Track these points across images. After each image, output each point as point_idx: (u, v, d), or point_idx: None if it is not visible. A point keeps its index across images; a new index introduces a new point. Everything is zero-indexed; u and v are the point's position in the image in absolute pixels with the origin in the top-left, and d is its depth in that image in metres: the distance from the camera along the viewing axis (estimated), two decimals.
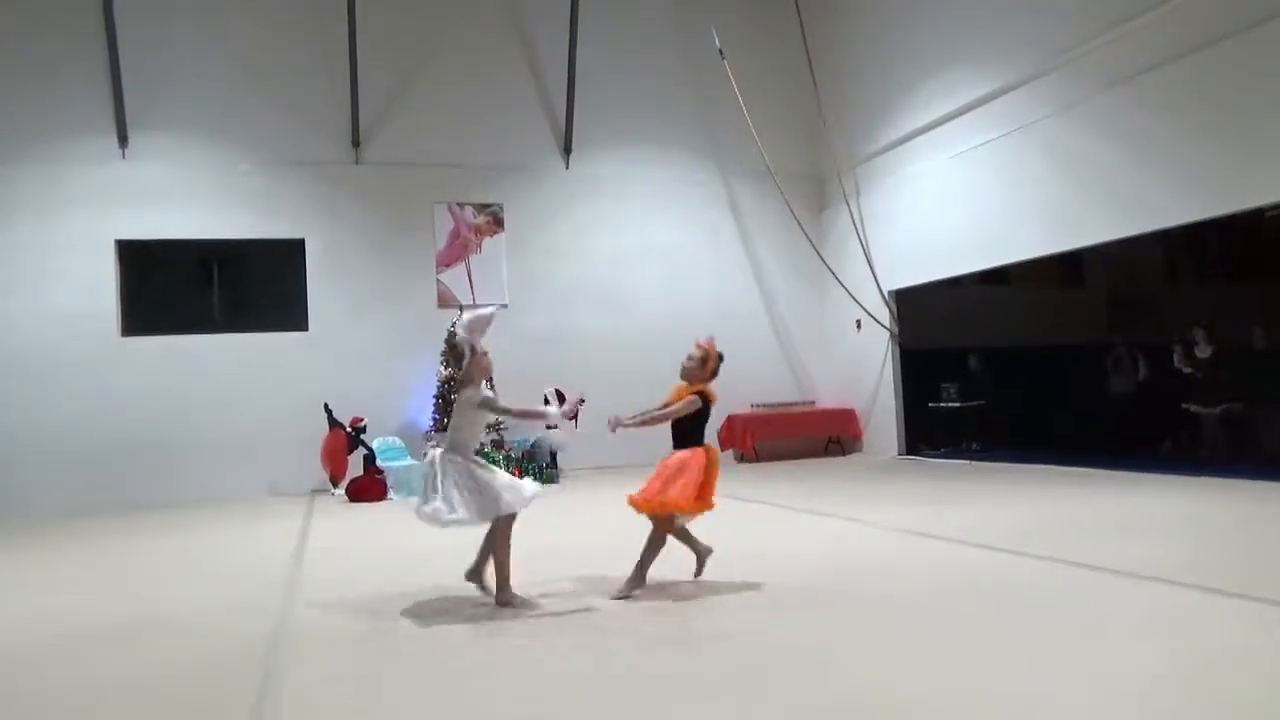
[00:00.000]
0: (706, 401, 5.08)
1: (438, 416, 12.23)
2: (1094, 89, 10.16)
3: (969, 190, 12.11)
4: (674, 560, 5.14)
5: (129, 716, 3.44)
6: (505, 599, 4.77)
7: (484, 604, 4.92)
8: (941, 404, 13.89)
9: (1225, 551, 5.52)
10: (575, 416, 13.91)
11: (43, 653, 4.39)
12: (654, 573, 5.00)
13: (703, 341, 5.27)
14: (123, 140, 12.37)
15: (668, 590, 5.02)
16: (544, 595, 5.01)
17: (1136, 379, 12.41)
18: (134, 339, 12.30)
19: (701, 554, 5.28)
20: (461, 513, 4.64)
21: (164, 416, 12.16)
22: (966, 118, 12.12)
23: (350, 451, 11.74)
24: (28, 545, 8.60)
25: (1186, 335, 11.12)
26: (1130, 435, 11.90)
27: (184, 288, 13.06)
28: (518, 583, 4.90)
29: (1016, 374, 13.64)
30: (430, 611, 4.84)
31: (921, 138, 12.98)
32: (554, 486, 11.76)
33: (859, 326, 14.13)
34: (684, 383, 5.19)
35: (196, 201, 12.63)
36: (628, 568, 5.00)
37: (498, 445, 12.15)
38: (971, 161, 12.05)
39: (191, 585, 6.06)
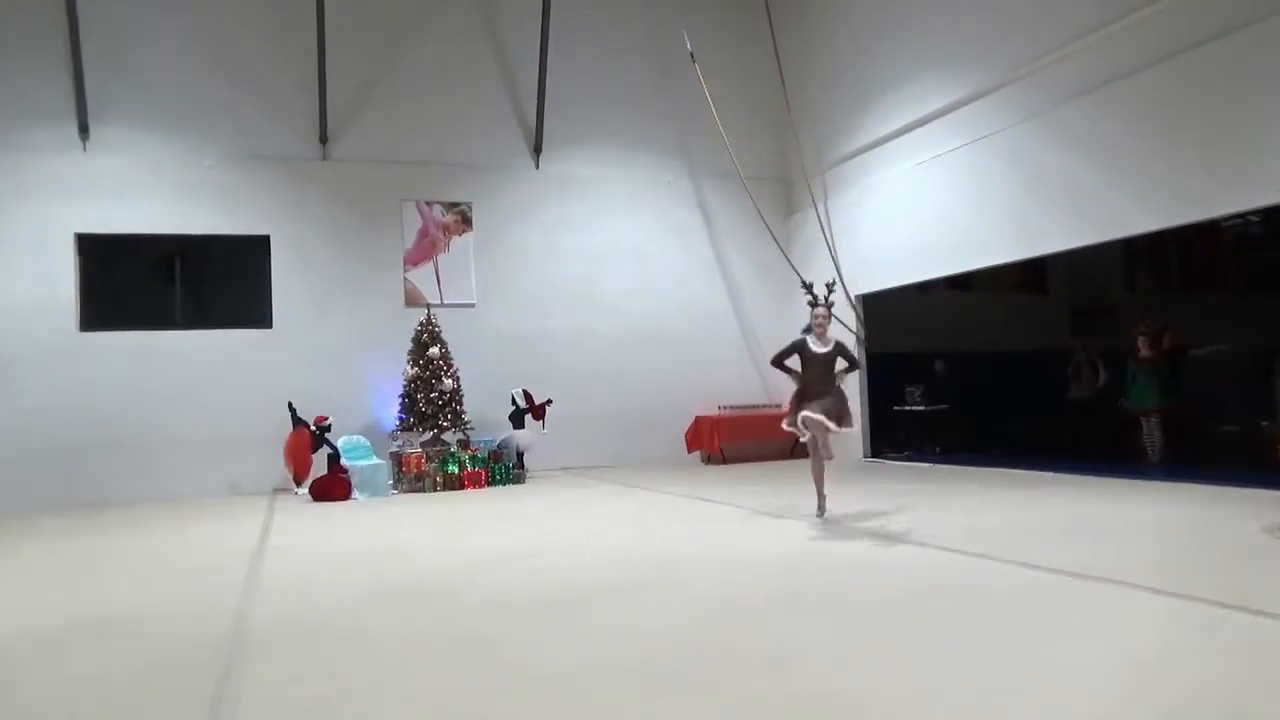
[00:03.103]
0: None
1: (404, 415, 12.15)
2: (1057, 99, 10.32)
3: (935, 197, 12.25)
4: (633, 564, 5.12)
5: (87, 716, 3.37)
6: None
7: (447, 602, 4.89)
8: (906, 407, 14.04)
9: (1173, 553, 5.62)
10: (543, 417, 13.91)
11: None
12: (604, 577, 4.97)
13: None
14: (84, 131, 12.14)
15: (631, 589, 5.03)
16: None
17: (1096, 384, 12.62)
18: (93, 334, 12.09)
19: None
20: None
21: (124, 413, 11.96)
22: (933, 126, 12.26)
23: (314, 450, 11.62)
24: None
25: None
26: (1089, 440, 12.11)
27: (146, 283, 12.86)
28: (486, 579, 4.86)
29: (980, 378, 13.83)
30: (394, 610, 4.81)
31: (889, 144, 13.11)
32: (520, 486, 11.75)
33: None
34: None
35: (160, 196, 12.43)
36: (591, 565, 4.98)
37: (464, 445, 12.08)
38: (937, 169, 12.19)
39: (150, 584, 5.95)
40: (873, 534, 6.64)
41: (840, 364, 7.30)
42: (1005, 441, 13.40)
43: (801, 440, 7.44)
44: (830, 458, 7.15)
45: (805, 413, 6.95)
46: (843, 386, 7.33)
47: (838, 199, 14.22)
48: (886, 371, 13.81)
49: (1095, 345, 13.11)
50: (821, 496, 7.51)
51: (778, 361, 7.48)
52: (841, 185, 14.15)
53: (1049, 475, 10.17)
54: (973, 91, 11.57)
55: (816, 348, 7.28)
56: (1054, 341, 14.18)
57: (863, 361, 13.71)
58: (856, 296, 13.78)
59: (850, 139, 13.90)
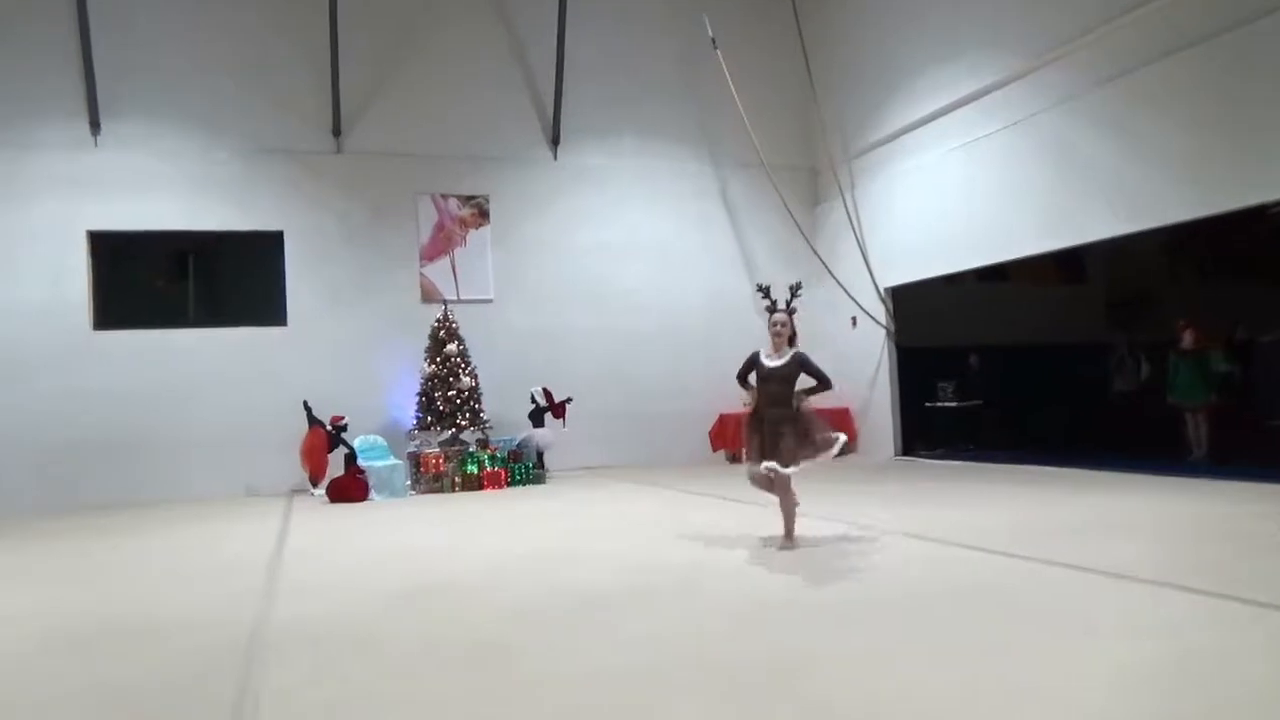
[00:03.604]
0: None
1: (421, 414, 11.92)
2: (1091, 84, 9.97)
3: (966, 185, 11.88)
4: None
5: (104, 719, 3.33)
6: None
7: (463, 605, 4.72)
8: (938, 404, 13.65)
9: (1210, 552, 5.42)
10: (563, 415, 13.61)
11: (13, 658, 4.24)
12: (621, 581, 4.70)
13: None
14: (95, 127, 11.99)
15: (649, 592, 4.81)
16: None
17: (1139, 379, 12.22)
18: (106, 333, 11.95)
19: None
20: None
21: (137, 413, 11.81)
22: (963, 111, 11.90)
23: (330, 450, 11.44)
24: None
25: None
26: (1130, 436, 11.69)
27: (158, 281, 12.73)
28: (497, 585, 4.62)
29: (1015, 373, 13.42)
30: (411, 613, 4.75)
31: (917, 131, 12.74)
32: (540, 487, 11.50)
33: (854, 324, 13.86)
34: None
35: (172, 192, 12.26)
36: (610, 568, 4.78)
37: (482, 444, 11.83)
38: (968, 156, 11.81)
39: (167, 587, 5.89)
40: (901, 534, 6.43)
41: (803, 382, 6.08)
42: (1042, 438, 12.99)
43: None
44: (795, 504, 6.07)
45: (755, 469, 6.02)
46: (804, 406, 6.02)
47: (865, 187, 13.85)
48: (917, 367, 13.45)
49: (1133, 338, 12.70)
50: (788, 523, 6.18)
51: (741, 379, 6.36)
52: (869, 173, 13.79)
53: (1088, 473, 9.86)
54: (1003, 76, 11.22)
55: (770, 361, 6.08)
56: (1091, 335, 13.75)
57: (893, 356, 13.42)
58: (886, 289, 13.41)
59: (878, 126, 13.53)
